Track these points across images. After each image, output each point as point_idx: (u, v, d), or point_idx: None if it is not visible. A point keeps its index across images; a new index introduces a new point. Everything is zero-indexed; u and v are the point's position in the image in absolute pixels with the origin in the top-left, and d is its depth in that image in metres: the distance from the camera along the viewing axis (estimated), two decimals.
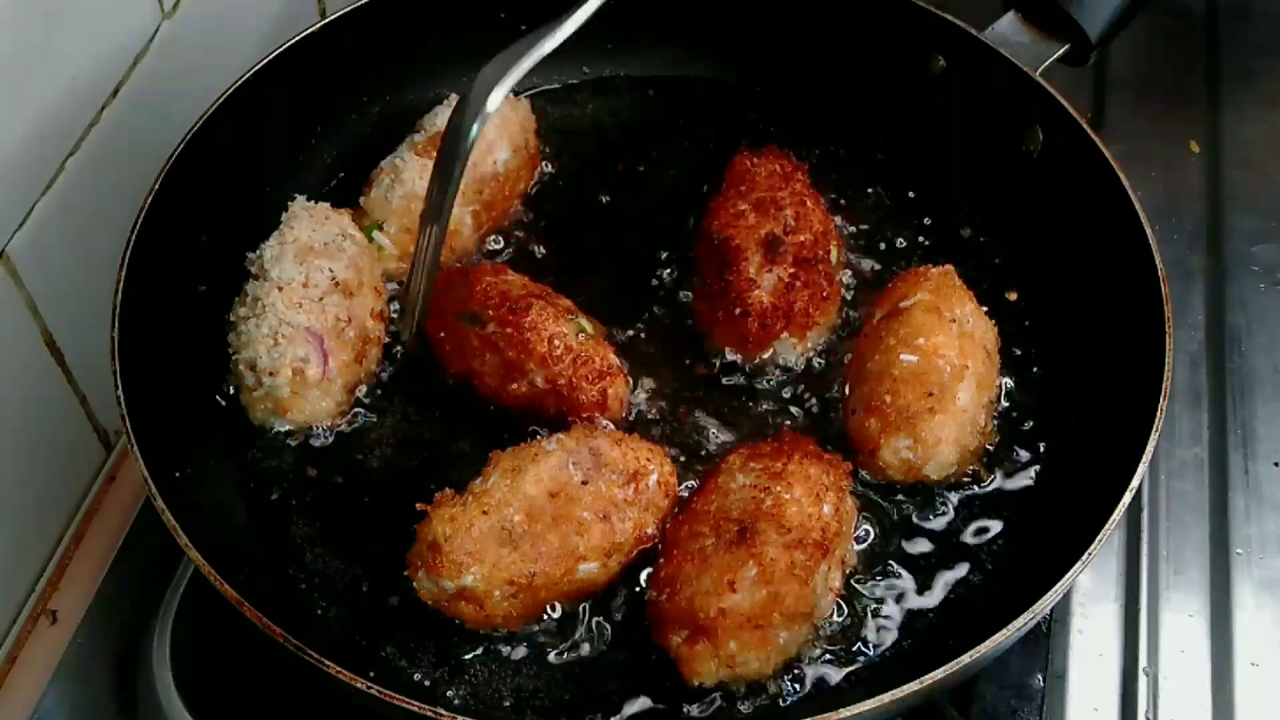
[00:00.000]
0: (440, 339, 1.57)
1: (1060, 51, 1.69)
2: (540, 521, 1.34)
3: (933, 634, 1.41)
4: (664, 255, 1.71)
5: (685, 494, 1.47)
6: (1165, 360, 1.41)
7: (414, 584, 1.33)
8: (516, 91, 1.74)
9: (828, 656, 1.38)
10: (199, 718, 1.42)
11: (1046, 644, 1.53)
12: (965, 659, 1.22)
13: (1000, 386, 1.56)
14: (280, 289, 1.50)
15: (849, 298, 1.66)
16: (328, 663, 1.20)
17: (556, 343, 1.48)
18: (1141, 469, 1.34)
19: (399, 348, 1.61)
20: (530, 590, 1.33)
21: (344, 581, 1.44)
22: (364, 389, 1.57)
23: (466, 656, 1.38)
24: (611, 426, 1.49)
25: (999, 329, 1.57)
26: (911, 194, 1.78)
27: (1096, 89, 2.15)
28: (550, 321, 1.50)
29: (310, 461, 1.52)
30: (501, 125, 1.70)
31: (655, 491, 1.40)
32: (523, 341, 1.48)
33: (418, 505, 1.38)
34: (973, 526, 1.48)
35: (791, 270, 1.57)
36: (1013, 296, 1.66)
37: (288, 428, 1.53)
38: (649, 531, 1.40)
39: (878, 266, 1.70)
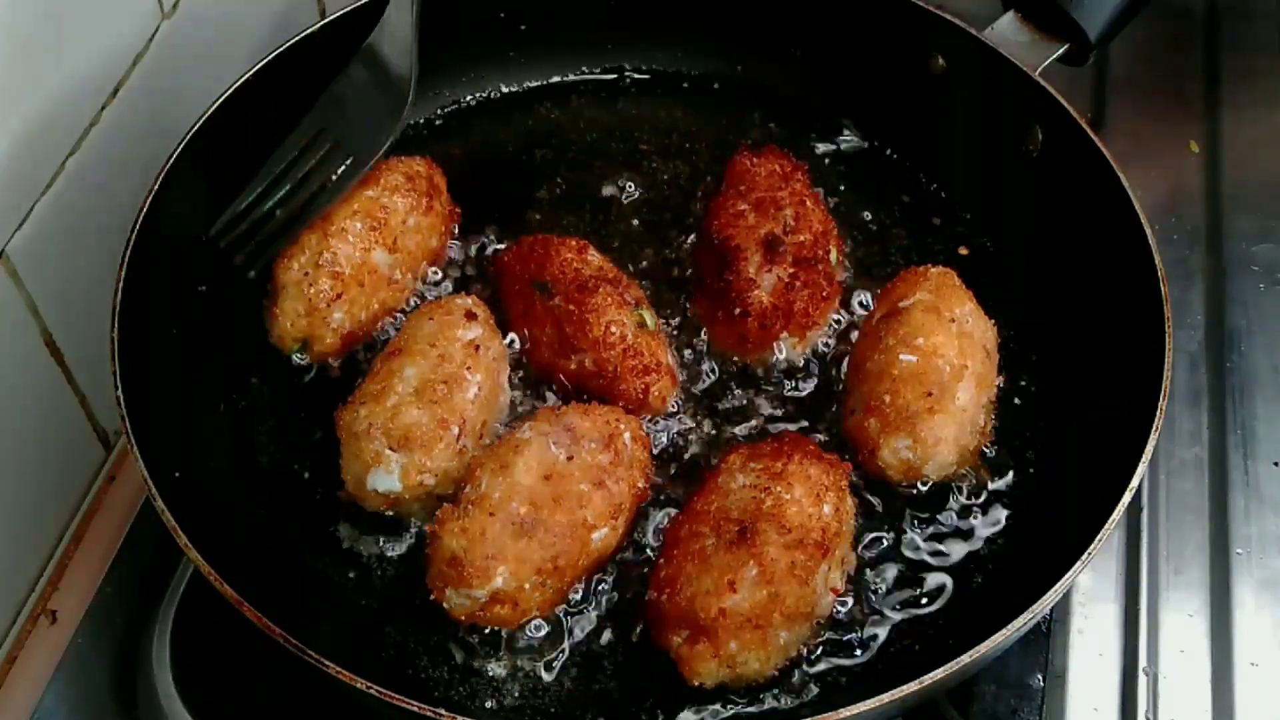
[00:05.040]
0: (509, 299, 1.60)
1: (1060, 51, 1.69)
2: (544, 506, 1.35)
3: (933, 634, 1.41)
4: (663, 255, 1.71)
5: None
6: (1165, 360, 1.41)
7: (444, 605, 1.34)
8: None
9: (828, 656, 1.38)
10: (199, 718, 1.42)
11: (1046, 644, 1.53)
12: (965, 659, 1.22)
13: (999, 386, 1.56)
14: None
15: (848, 298, 1.66)
16: (328, 663, 1.20)
17: (613, 330, 1.51)
18: (1141, 469, 1.34)
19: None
20: (557, 573, 1.35)
21: (344, 582, 1.44)
22: None
23: (466, 656, 1.38)
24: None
25: (998, 328, 1.57)
26: (911, 194, 1.78)
27: (1096, 89, 2.15)
28: (613, 308, 1.52)
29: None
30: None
31: (634, 448, 1.44)
32: (582, 321, 1.51)
33: (426, 527, 1.39)
34: (972, 526, 1.48)
35: (791, 270, 1.57)
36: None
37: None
38: (641, 486, 1.44)
39: (877, 266, 1.70)
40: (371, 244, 1.58)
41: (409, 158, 1.68)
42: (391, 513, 1.45)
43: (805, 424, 1.55)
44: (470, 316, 1.50)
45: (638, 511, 1.46)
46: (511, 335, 1.58)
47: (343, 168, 1.57)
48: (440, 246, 1.67)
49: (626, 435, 1.44)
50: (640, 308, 1.56)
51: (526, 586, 1.33)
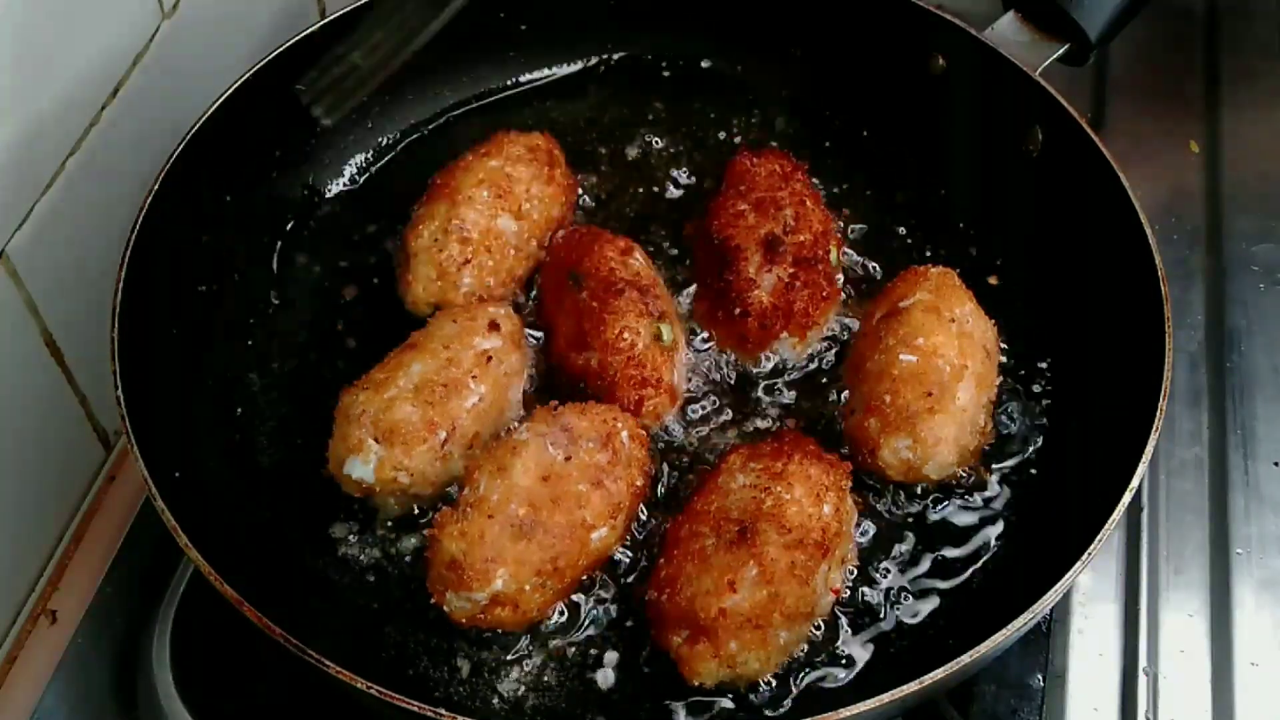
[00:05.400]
0: (547, 284, 1.62)
1: (1060, 51, 1.69)
2: (543, 507, 1.35)
3: (933, 634, 1.41)
4: (662, 255, 1.71)
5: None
6: (1165, 360, 1.41)
7: (444, 609, 1.34)
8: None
9: (828, 657, 1.38)
10: (199, 718, 1.42)
11: (1046, 644, 1.53)
12: (965, 659, 1.22)
13: (999, 386, 1.56)
14: None
15: (849, 298, 1.66)
16: (328, 663, 1.20)
17: (625, 336, 1.51)
18: (1141, 469, 1.34)
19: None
20: (556, 574, 1.35)
21: (344, 582, 1.44)
22: None
23: (466, 657, 1.38)
24: None
25: (998, 328, 1.57)
26: (911, 194, 1.78)
27: (1096, 89, 2.15)
28: (633, 315, 1.52)
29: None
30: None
31: (631, 446, 1.44)
32: (599, 320, 1.51)
33: (426, 531, 1.39)
34: (972, 526, 1.48)
35: (791, 270, 1.57)
36: (994, 281, 1.66)
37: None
38: (639, 484, 1.43)
39: (878, 266, 1.70)
40: (497, 211, 1.62)
41: (528, 133, 1.71)
42: (375, 501, 1.46)
43: (805, 424, 1.55)
44: (493, 327, 1.50)
45: (637, 511, 1.46)
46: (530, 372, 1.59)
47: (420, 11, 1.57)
48: (562, 216, 1.70)
49: (624, 434, 1.44)
50: (662, 321, 1.55)
51: (526, 588, 1.33)
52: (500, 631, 1.37)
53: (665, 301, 1.59)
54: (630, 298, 1.53)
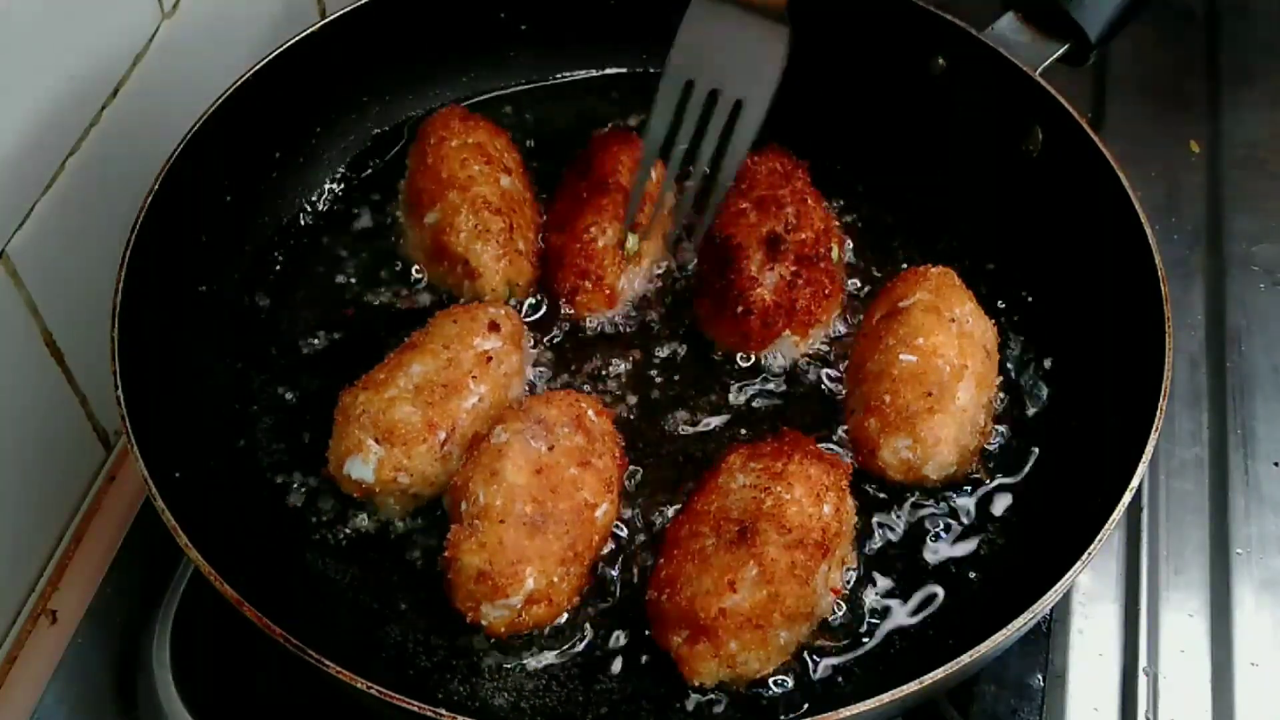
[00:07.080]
0: (571, 170, 1.71)
1: (1060, 51, 1.69)
2: (546, 499, 1.36)
3: (933, 634, 1.41)
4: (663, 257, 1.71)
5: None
6: (1165, 360, 1.41)
7: (482, 624, 1.34)
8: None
9: (828, 656, 1.38)
10: (199, 718, 1.42)
11: (1046, 644, 1.53)
12: (965, 659, 1.22)
13: (999, 386, 1.56)
14: None
15: (849, 296, 1.66)
16: (328, 663, 1.20)
17: (591, 230, 1.60)
18: (1141, 469, 1.34)
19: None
20: (576, 559, 1.37)
21: (344, 582, 1.44)
22: None
23: (466, 657, 1.38)
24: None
25: (998, 328, 1.57)
26: (911, 193, 1.78)
27: (1096, 89, 2.15)
28: (608, 216, 1.61)
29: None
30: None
31: (600, 422, 1.47)
32: (579, 208, 1.61)
33: (442, 556, 1.38)
34: (972, 526, 1.48)
35: (793, 268, 1.57)
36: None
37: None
38: (619, 456, 1.47)
39: (878, 265, 1.70)
40: (495, 173, 1.65)
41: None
42: (372, 501, 1.46)
43: (806, 424, 1.55)
44: (493, 328, 1.51)
45: (624, 481, 1.48)
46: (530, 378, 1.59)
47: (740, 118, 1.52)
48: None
49: (590, 412, 1.46)
50: (634, 232, 1.60)
51: (555, 579, 1.35)
52: (501, 631, 1.37)
53: (659, 221, 1.64)
54: (614, 200, 1.60)
